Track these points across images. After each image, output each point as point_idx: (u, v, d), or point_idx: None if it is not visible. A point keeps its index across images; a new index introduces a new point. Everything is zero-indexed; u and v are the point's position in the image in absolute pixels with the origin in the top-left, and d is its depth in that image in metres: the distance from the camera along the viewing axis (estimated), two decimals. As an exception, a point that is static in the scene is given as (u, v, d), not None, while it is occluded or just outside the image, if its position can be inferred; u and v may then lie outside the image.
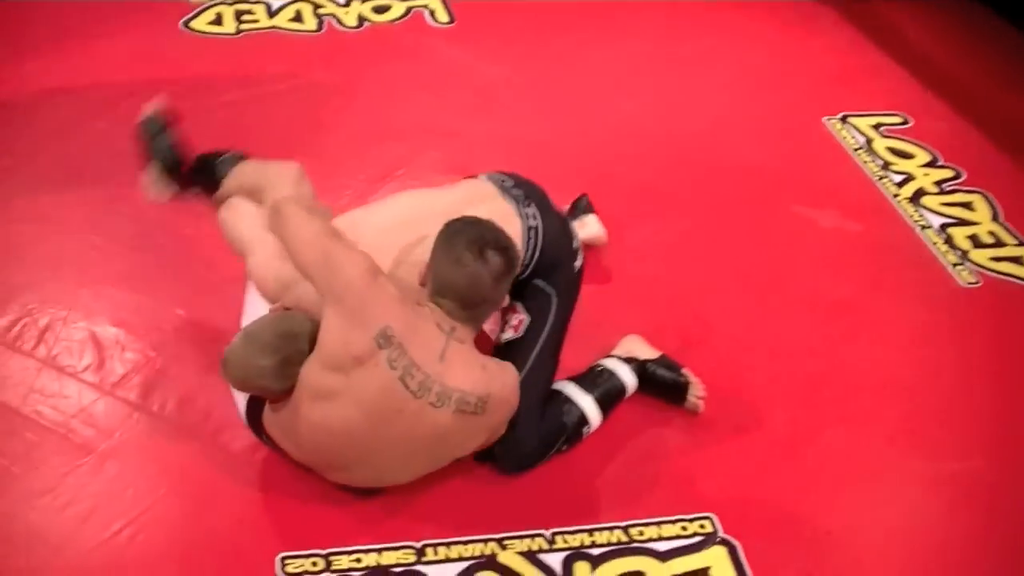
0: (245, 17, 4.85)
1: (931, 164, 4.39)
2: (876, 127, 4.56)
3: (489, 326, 3.11)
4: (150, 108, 3.42)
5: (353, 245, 2.68)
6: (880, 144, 4.46)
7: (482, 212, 2.84)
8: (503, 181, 3.10)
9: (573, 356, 3.19)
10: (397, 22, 4.95)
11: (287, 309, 2.79)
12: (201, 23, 4.78)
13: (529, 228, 2.99)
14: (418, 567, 2.77)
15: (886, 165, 4.35)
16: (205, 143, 4.02)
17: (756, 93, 4.77)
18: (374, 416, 2.61)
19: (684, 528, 2.94)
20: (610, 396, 3.12)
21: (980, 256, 3.93)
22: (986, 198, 4.22)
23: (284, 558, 2.75)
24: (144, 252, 3.57)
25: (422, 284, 2.73)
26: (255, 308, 2.94)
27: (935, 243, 3.97)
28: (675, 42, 5.07)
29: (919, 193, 4.21)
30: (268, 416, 2.78)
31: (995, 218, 4.12)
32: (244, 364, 2.66)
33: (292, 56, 4.66)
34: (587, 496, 3.01)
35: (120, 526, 2.79)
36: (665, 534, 2.92)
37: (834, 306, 3.68)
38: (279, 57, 4.65)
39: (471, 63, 4.73)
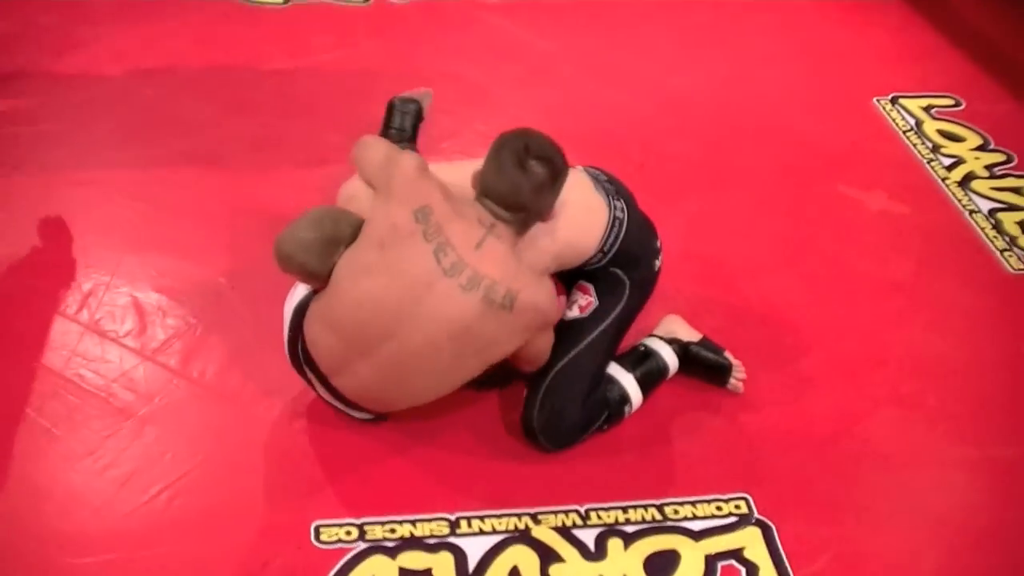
0: (294, -13, 4.85)
1: (982, 148, 4.32)
2: (927, 109, 4.50)
3: (559, 303, 3.13)
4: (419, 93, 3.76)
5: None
6: (930, 126, 4.40)
7: (572, 194, 2.92)
8: (598, 175, 3.16)
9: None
10: (446, -6, 4.94)
11: None
12: (250, -8, 4.80)
13: (615, 219, 3.02)
14: (452, 539, 2.78)
15: (936, 148, 4.29)
16: (255, 111, 4.08)
17: (807, 71, 4.72)
18: (405, 288, 2.63)
19: (719, 508, 2.93)
20: (651, 376, 3.12)
21: (1029, 242, 3.87)
22: (1038, 183, 4.16)
23: (319, 526, 2.77)
24: (190, 220, 3.58)
25: (473, 187, 2.79)
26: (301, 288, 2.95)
27: (983, 228, 3.91)
28: (728, 18, 5.02)
29: (969, 177, 4.15)
30: (309, 311, 2.81)
31: (1046, 204, 4.06)
32: (290, 238, 2.75)
33: (341, 27, 4.65)
34: (622, 473, 3.01)
35: (158, 490, 2.82)
36: (700, 513, 2.91)
37: (880, 289, 3.64)
38: (328, 27, 4.64)
39: (521, 36, 4.71)
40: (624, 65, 4.61)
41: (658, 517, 2.89)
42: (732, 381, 3.20)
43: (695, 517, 2.90)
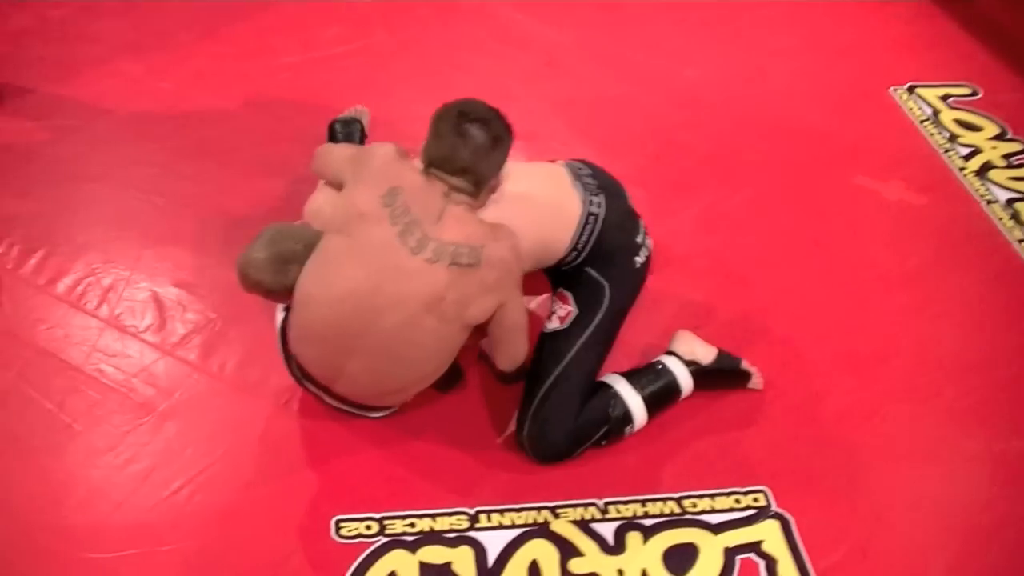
0: (306, -22, 4.85)
1: (999, 137, 4.30)
2: (944, 98, 4.48)
3: (541, 311, 3.16)
4: (355, 112, 3.78)
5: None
6: (947, 116, 4.38)
7: (544, 190, 2.98)
8: (579, 169, 3.10)
9: (632, 331, 3.21)
10: (459, -16, 4.92)
11: None
12: (262, -17, 4.79)
13: (589, 215, 2.98)
14: (471, 533, 2.80)
15: (953, 137, 4.27)
16: (268, 105, 4.09)
17: (822, 61, 4.70)
18: (375, 273, 2.65)
19: (737, 501, 2.94)
20: (662, 398, 3.07)
21: (1048, 232, 3.86)
22: (1055, 173, 4.14)
23: (339, 521, 2.79)
24: (206, 214, 3.59)
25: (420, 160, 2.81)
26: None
27: (1001, 218, 3.90)
28: (740, 8, 4.99)
29: (986, 167, 4.14)
30: (289, 330, 2.84)
31: (1064, 194, 4.05)
32: (243, 258, 2.81)
33: (352, 18, 4.65)
34: (641, 466, 3.01)
35: (179, 485, 2.84)
36: (718, 507, 2.92)
37: (897, 280, 3.63)
38: (339, 19, 4.63)
39: (533, 27, 4.70)
40: (636, 58, 4.60)
41: (676, 510, 2.90)
42: (750, 387, 3.21)
43: (713, 510, 2.91)
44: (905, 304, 3.56)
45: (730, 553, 2.82)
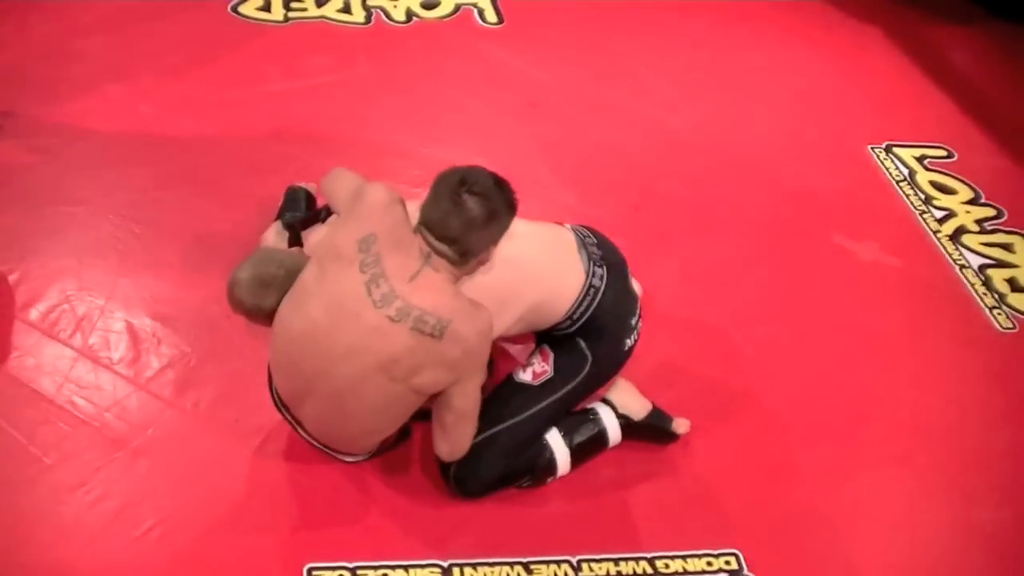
0: (294, 5, 4.82)
1: (973, 201, 4.35)
2: (920, 159, 4.52)
3: (517, 352, 3.17)
4: (303, 184, 3.66)
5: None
6: (923, 177, 4.43)
7: (546, 255, 2.96)
8: (586, 236, 3.08)
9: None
10: (446, 19, 4.91)
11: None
12: (250, 8, 4.75)
13: (590, 286, 2.96)
14: (444, 586, 2.79)
15: (928, 199, 4.32)
16: (252, 133, 4.07)
17: (803, 116, 4.74)
18: (335, 317, 2.63)
19: (709, 563, 2.94)
20: (589, 449, 3.07)
21: (1018, 300, 3.90)
22: (1027, 240, 4.20)
23: (311, 569, 2.76)
24: (185, 243, 3.55)
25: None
26: None
27: (973, 284, 3.94)
28: (725, 57, 5.02)
29: (960, 231, 4.18)
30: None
31: (1034, 262, 4.10)
32: (230, 278, 2.86)
33: (339, 48, 4.64)
34: (614, 523, 3.01)
35: (150, 525, 2.80)
36: (691, 568, 2.92)
37: (872, 343, 3.66)
38: (326, 48, 4.62)
39: (518, 66, 4.70)
40: (620, 101, 4.61)
41: (649, 571, 2.90)
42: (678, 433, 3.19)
43: (686, 572, 2.91)
44: (879, 367, 3.59)
45: (702, 616, 2.83)
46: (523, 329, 2.99)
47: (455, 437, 2.81)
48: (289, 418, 2.90)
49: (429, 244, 2.64)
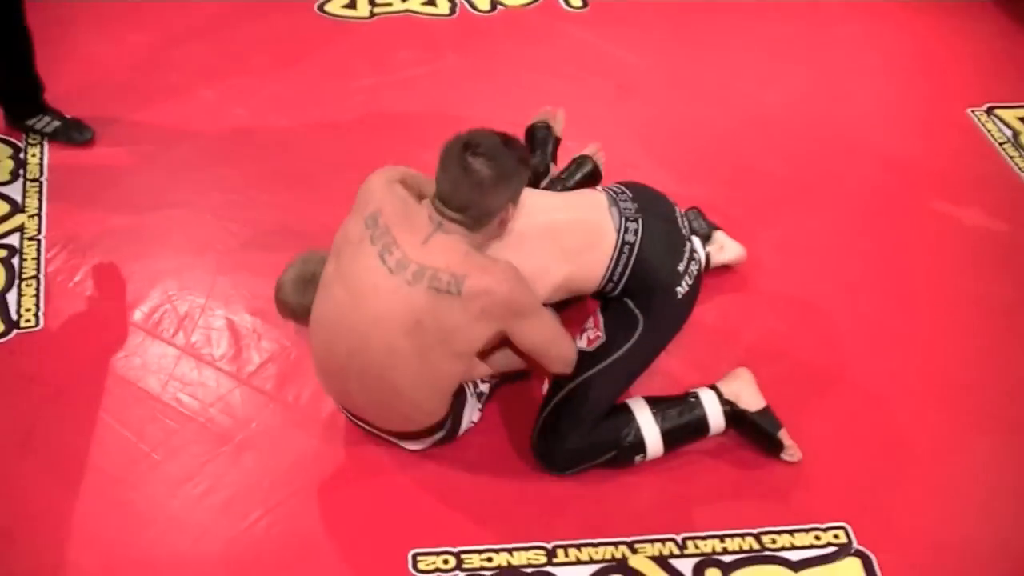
0: (379, 0, 4.85)
1: (1083, 160, 4.21)
2: (1024, 120, 4.40)
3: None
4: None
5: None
6: (1029, 138, 4.31)
7: (576, 224, 2.92)
8: (618, 193, 3.01)
9: (708, 357, 3.23)
10: (530, 6, 4.90)
11: None
12: (335, 6, 4.79)
13: (623, 244, 2.90)
14: (549, 568, 2.78)
15: (1034, 161, 4.19)
16: (343, 129, 4.11)
17: (898, 82, 4.63)
18: (356, 293, 2.64)
19: (817, 537, 2.89)
20: (683, 434, 3.00)
21: None
22: None
23: (416, 554, 2.78)
24: (281, 241, 3.58)
25: None
26: None
27: (1085, 246, 3.82)
28: (818, 28, 4.92)
29: (1069, 191, 4.05)
30: None
31: None
32: (277, 281, 3.02)
33: (426, 40, 4.65)
34: (719, 500, 2.98)
35: (257, 516, 2.85)
36: (798, 543, 2.88)
37: (981, 310, 3.57)
38: (413, 41, 4.64)
39: (605, 49, 4.67)
40: (711, 79, 4.55)
41: (756, 547, 2.86)
42: (784, 458, 3.06)
43: (793, 547, 2.87)
44: (989, 333, 3.49)
45: (811, 592, 2.78)
46: (564, 297, 2.98)
47: (555, 357, 2.83)
48: (348, 415, 2.95)
49: (441, 213, 2.63)
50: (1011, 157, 4.20)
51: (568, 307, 3.24)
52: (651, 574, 2.78)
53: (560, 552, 2.81)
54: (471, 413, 2.99)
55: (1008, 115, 4.42)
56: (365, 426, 2.94)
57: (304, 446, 3.03)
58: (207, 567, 2.74)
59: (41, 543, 2.77)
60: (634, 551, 2.83)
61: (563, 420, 2.91)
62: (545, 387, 3.04)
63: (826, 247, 3.78)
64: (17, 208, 3.68)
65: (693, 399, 3.03)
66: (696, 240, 3.35)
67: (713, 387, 3.06)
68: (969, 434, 3.18)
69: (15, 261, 3.50)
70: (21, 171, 3.83)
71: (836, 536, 2.89)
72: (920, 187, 4.05)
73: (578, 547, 2.83)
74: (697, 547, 2.85)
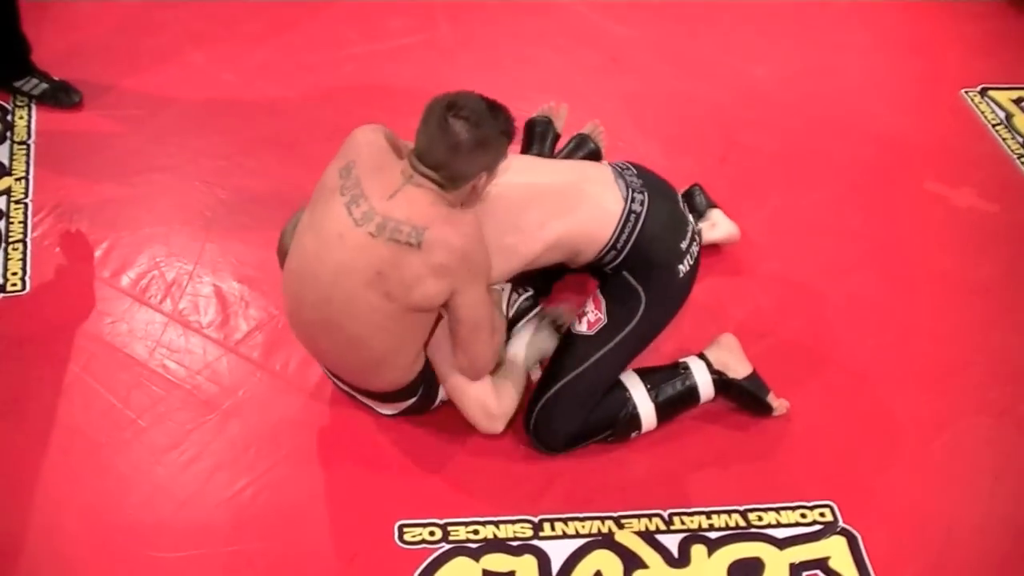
0: (371, -32, 4.81)
1: (1075, 143, 4.21)
2: (1017, 101, 4.38)
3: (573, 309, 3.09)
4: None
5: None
6: (1021, 120, 4.28)
7: (582, 184, 2.90)
8: (624, 169, 3.00)
9: (697, 333, 3.19)
10: (525, -23, 4.87)
11: None
12: (327, -28, 4.76)
13: (630, 212, 2.87)
14: (535, 541, 2.78)
15: (1027, 143, 4.19)
16: (333, 97, 4.07)
17: (893, 60, 4.61)
18: (321, 241, 2.63)
19: (803, 515, 2.90)
20: (676, 404, 3.01)
21: (1123, 243, 3.77)
22: None
23: (402, 526, 2.78)
24: (270, 207, 3.56)
25: None
26: None
27: (1076, 228, 3.82)
28: (809, 4, 4.90)
29: (1061, 174, 4.05)
30: None
31: None
32: (281, 232, 2.98)
33: (418, 9, 4.61)
34: (705, 477, 2.99)
35: (243, 485, 2.84)
36: (784, 520, 2.88)
37: (969, 290, 3.58)
38: (405, 9, 4.59)
39: (598, 21, 4.64)
40: (703, 53, 4.53)
41: (742, 523, 2.87)
42: (774, 414, 3.10)
43: (779, 524, 2.87)
44: (978, 315, 3.50)
45: (796, 569, 2.79)
46: (560, 258, 2.93)
47: (473, 350, 2.77)
48: (328, 375, 2.95)
49: (414, 167, 2.60)
50: (1004, 139, 4.20)
51: (563, 278, 3.25)
52: (637, 549, 2.78)
53: (546, 525, 2.81)
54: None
55: (1001, 96, 4.41)
56: (341, 384, 2.93)
57: (291, 415, 3.02)
58: (191, 534, 2.73)
59: (25, 507, 2.75)
60: (620, 526, 2.83)
61: (565, 405, 2.90)
62: (536, 374, 3.05)
63: (816, 224, 3.78)
64: (4, 171, 3.65)
65: (684, 370, 3.03)
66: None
67: (702, 356, 3.07)
68: (955, 413, 3.18)
69: (1, 224, 3.46)
70: (8, 133, 3.79)
71: (822, 514, 2.90)
72: (912, 167, 4.05)
73: (564, 521, 2.82)
74: (683, 523, 2.85)
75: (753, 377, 3.07)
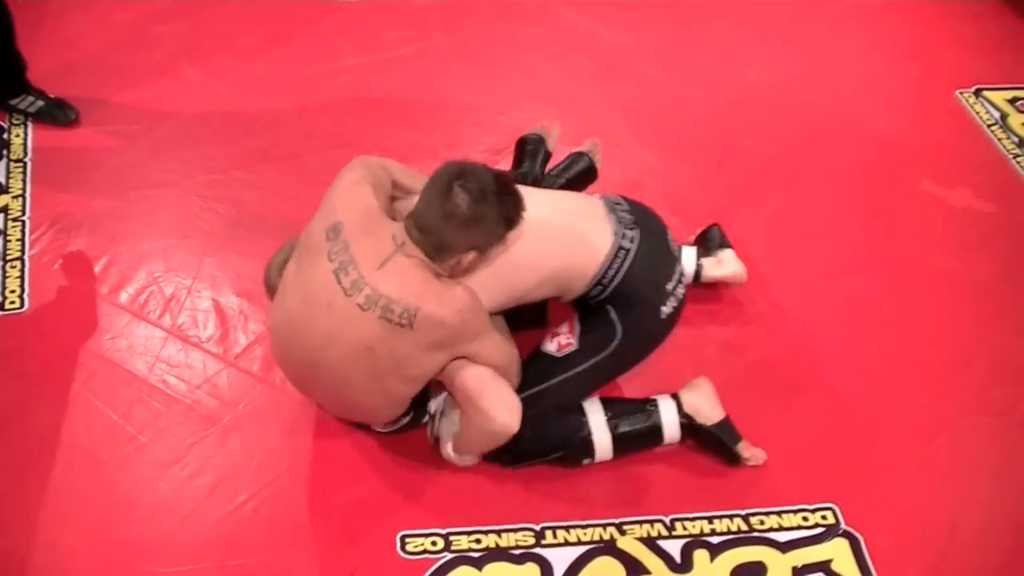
0: (365, -21, 4.82)
1: (1070, 142, 4.21)
2: (1012, 101, 4.38)
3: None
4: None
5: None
6: (1016, 120, 4.29)
7: (571, 218, 2.88)
8: (616, 203, 2.97)
9: (698, 336, 3.24)
10: (516, -15, 4.88)
11: None
12: (321, -15, 4.77)
13: (620, 248, 2.84)
14: (537, 549, 2.78)
15: (1021, 143, 4.18)
16: (329, 109, 4.08)
17: (887, 61, 4.61)
18: (309, 305, 2.60)
19: (805, 519, 2.90)
20: (636, 441, 2.95)
21: (1120, 242, 3.77)
22: None
23: (404, 536, 2.78)
24: (267, 221, 3.57)
25: None
26: None
27: (1072, 227, 3.82)
28: (805, 7, 4.90)
29: (1056, 173, 4.05)
30: None
31: None
32: (267, 263, 3.00)
33: (412, 19, 4.61)
34: (707, 482, 2.99)
35: (245, 498, 2.84)
36: (786, 524, 2.89)
37: (968, 291, 3.58)
38: (399, 20, 4.60)
39: (592, 29, 4.64)
40: (698, 59, 4.53)
41: (744, 527, 2.87)
42: (743, 463, 3.02)
43: (781, 528, 2.87)
44: (977, 315, 3.50)
45: (798, 572, 2.79)
46: (550, 293, 2.91)
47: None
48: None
49: (408, 232, 2.57)
50: (999, 139, 4.20)
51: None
52: (639, 555, 2.79)
53: (548, 533, 2.81)
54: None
55: (996, 97, 4.41)
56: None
57: (291, 428, 3.02)
58: (194, 548, 2.73)
59: (27, 524, 2.75)
60: (622, 532, 2.83)
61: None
62: None
63: (813, 227, 3.78)
64: (1, 189, 3.65)
65: (651, 407, 2.98)
66: (686, 252, 3.35)
67: (675, 396, 3.01)
68: (956, 414, 3.19)
69: (-1, 242, 3.48)
70: (5, 151, 3.80)
71: (824, 517, 2.90)
72: (907, 168, 4.05)
73: (566, 528, 2.83)
74: (685, 528, 2.86)
75: (724, 424, 3.00)
